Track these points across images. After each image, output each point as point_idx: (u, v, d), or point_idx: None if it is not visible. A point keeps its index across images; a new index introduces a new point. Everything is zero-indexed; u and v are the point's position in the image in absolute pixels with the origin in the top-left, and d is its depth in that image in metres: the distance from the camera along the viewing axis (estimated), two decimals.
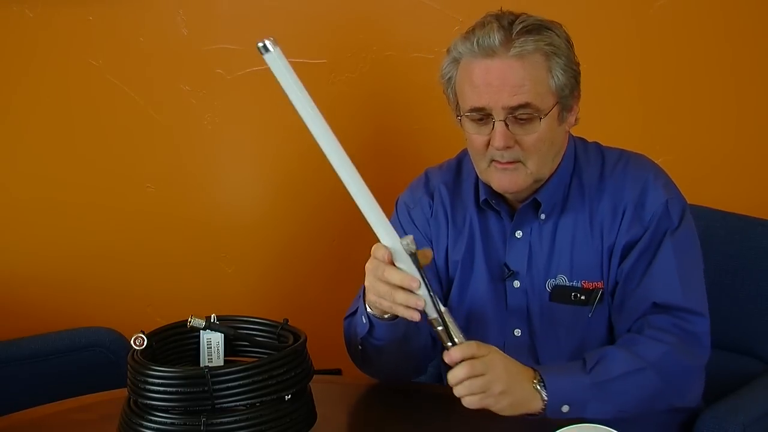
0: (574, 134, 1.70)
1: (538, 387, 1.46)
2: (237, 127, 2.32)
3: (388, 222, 1.37)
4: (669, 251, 1.59)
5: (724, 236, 1.88)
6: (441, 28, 2.17)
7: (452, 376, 1.40)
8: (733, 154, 2.32)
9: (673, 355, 1.55)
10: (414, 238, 1.37)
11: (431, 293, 1.38)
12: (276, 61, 1.28)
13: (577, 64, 1.61)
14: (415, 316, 1.40)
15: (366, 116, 2.32)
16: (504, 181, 1.60)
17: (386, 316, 1.51)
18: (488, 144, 1.58)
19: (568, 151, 1.66)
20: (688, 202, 1.67)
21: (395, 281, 1.39)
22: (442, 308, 1.39)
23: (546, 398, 1.46)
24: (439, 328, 1.39)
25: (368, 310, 1.52)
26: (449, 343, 1.39)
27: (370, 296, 1.46)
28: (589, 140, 1.72)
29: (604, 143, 1.73)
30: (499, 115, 1.55)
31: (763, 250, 1.85)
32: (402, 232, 1.45)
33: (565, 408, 1.48)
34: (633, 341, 1.56)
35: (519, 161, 1.58)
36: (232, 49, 2.26)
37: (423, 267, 1.38)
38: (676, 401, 1.59)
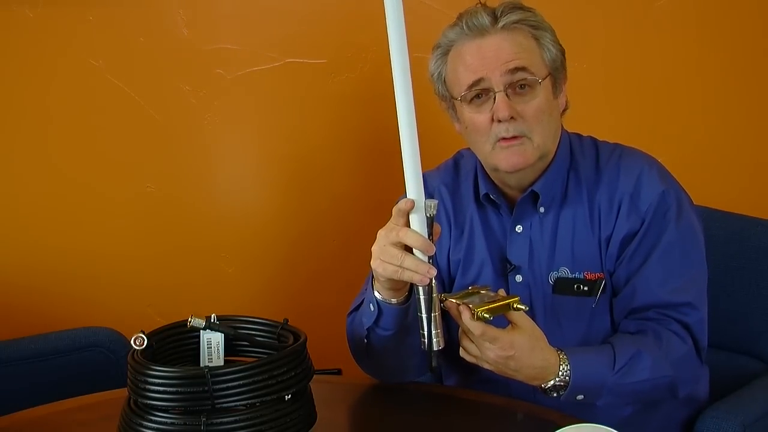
0: (569, 131, 1.71)
1: (560, 375, 1.50)
2: (237, 127, 2.32)
3: (422, 179, 1.41)
4: (667, 242, 1.60)
5: (724, 236, 1.88)
6: (441, 28, 2.16)
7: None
8: (733, 154, 2.32)
9: (690, 358, 1.59)
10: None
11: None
12: None
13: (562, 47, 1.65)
14: (424, 281, 1.41)
15: (366, 116, 2.31)
16: (512, 158, 1.60)
17: (393, 300, 1.52)
18: (491, 121, 1.59)
19: (563, 145, 1.67)
20: None
21: (410, 241, 1.41)
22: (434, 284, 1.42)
23: (564, 393, 1.50)
24: (422, 296, 1.42)
25: (377, 295, 1.53)
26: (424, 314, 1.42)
27: (375, 263, 1.46)
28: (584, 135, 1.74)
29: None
30: (498, 86, 1.58)
31: (763, 250, 1.85)
32: None
33: (580, 397, 1.52)
34: (659, 335, 1.57)
35: (524, 135, 1.59)
36: (232, 49, 2.26)
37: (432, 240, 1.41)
38: (677, 395, 1.62)
